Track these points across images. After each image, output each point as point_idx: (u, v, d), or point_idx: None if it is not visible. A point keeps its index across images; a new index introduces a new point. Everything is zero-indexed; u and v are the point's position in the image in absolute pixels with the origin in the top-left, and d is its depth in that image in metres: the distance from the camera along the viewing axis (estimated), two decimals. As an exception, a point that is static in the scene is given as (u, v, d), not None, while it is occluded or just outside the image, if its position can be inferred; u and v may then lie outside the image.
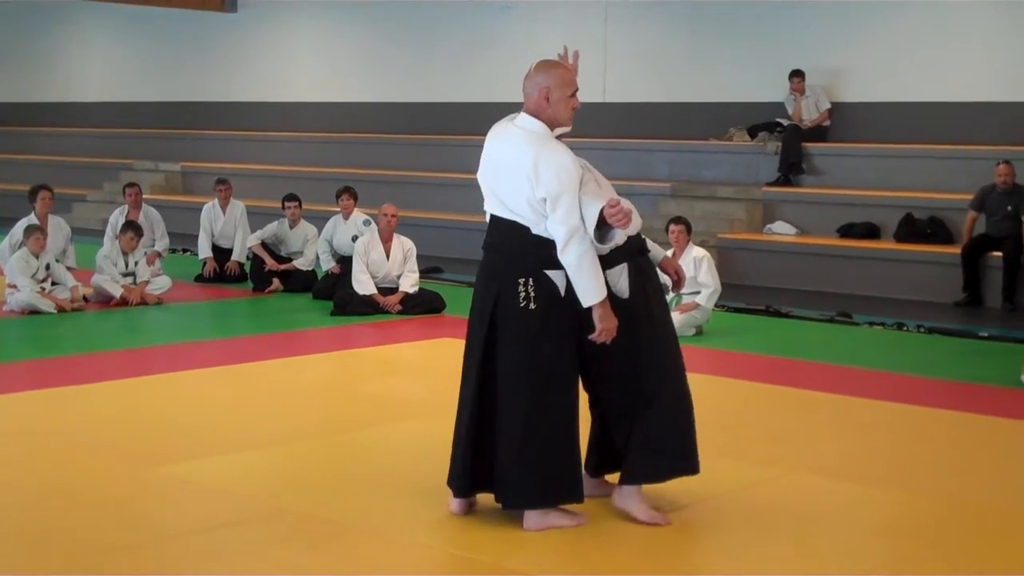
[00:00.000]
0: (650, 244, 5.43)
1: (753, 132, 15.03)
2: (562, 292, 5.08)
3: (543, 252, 5.05)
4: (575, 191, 5.00)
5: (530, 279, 5.07)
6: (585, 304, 5.02)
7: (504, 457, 5.09)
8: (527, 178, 4.99)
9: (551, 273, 5.07)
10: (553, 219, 4.98)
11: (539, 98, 5.12)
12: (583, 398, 5.30)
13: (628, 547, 5.03)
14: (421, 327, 10.51)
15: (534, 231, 5.05)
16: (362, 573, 4.70)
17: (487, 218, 5.26)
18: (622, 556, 4.95)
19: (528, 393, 5.07)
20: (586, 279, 5.00)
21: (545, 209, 4.99)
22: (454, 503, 5.28)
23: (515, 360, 5.08)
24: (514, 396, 5.08)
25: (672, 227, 10.32)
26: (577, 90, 5.22)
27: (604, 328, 5.01)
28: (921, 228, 12.94)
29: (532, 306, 5.06)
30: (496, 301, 5.11)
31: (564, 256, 4.98)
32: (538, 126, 5.12)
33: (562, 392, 5.12)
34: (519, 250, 5.10)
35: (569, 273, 5.02)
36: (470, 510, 5.26)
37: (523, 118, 5.17)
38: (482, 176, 5.24)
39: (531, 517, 5.13)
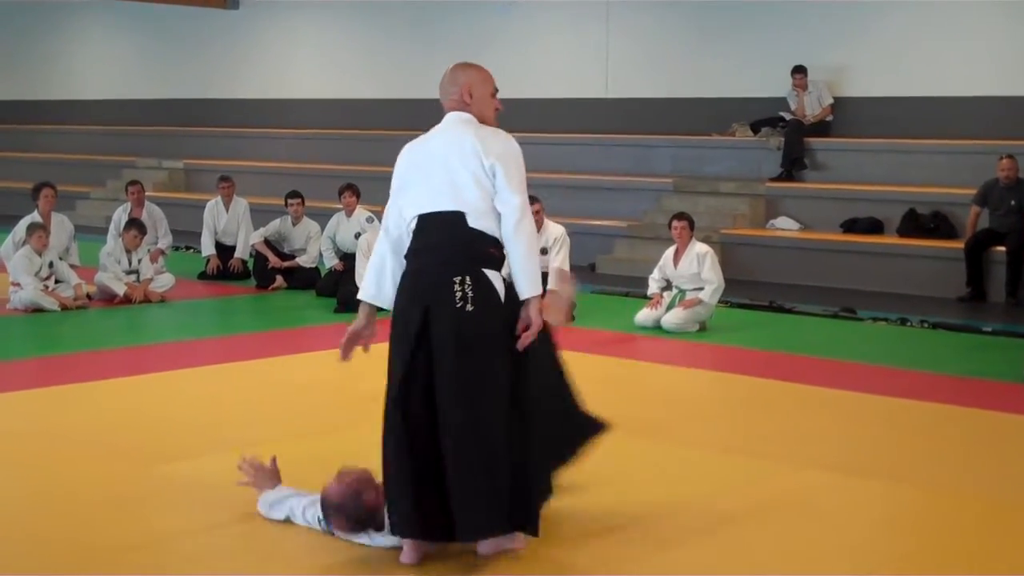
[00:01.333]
0: None
1: (755, 127, 15.01)
2: (501, 296, 4.67)
3: (480, 248, 4.66)
4: (523, 167, 4.77)
5: (467, 277, 4.60)
6: (529, 293, 4.65)
7: (455, 485, 4.54)
8: (472, 151, 4.69)
9: (490, 273, 4.67)
10: (508, 188, 4.66)
11: (461, 95, 4.87)
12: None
13: (634, 541, 5.03)
14: (424, 324, 10.48)
15: (471, 222, 4.65)
16: (365, 571, 4.70)
17: (409, 228, 4.80)
18: (627, 551, 4.94)
19: (472, 407, 4.55)
20: (535, 263, 4.67)
21: (493, 182, 4.67)
22: (405, 549, 4.70)
23: (452, 372, 4.55)
24: (458, 413, 4.54)
25: (675, 223, 10.32)
26: (497, 91, 4.95)
27: (538, 324, 4.64)
28: (924, 223, 12.93)
29: (469, 307, 4.57)
30: (427, 310, 4.60)
31: (519, 230, 4.64)
32: (466, 116, 4.86)
33: (503, 405, 4.61)
34: (453, 247, 4.66)
35: (519, 254, 4.65)
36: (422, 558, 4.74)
37: (448, 115, 4.92)
38: (406, 179, 4.87)
39: (486, 542, 4.73)
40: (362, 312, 4.99)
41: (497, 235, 4.73)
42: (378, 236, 5.01)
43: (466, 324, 4.58)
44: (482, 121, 4.88)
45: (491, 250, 4.70)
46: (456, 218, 4.67)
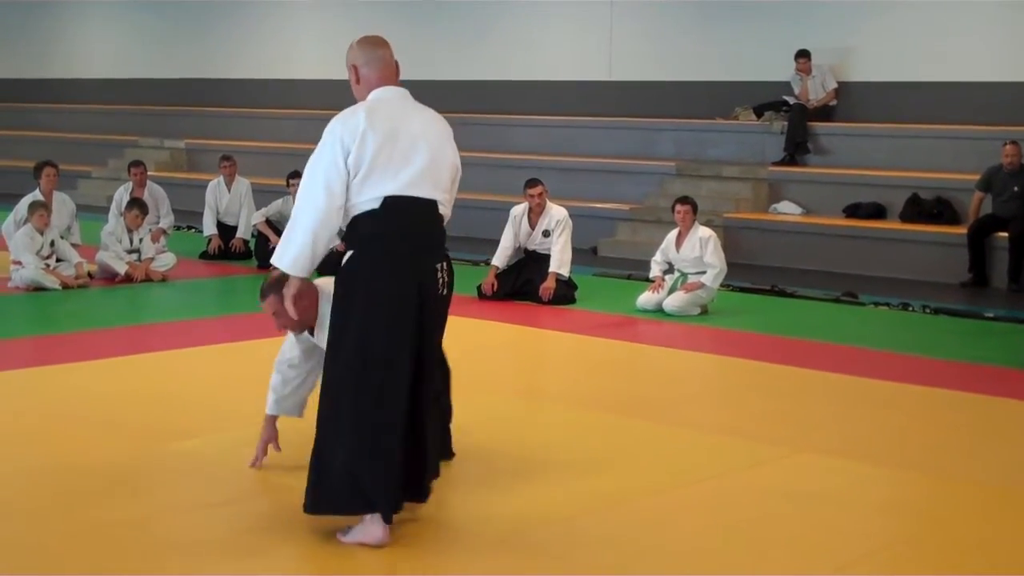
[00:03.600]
0: None
1: (759, 111, 14.98)
2: None
3: (444, 234, 4.85)
4: None
5: (444, 264, 4.80)
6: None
7: (432, 450, 4.87)
8: (451, 143, 4.91)
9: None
10: (453, 194, 4.92)
11: (397, 71, 5.01)
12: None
13: (632, 521, 5.03)
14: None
15: (441, 209, 4.79)
16: (359, 549, 4.70)
17: (360, 205, 4.82)
18: (625, 531, 4.94)
19: (437, 381, 5.02)
20: None
21: (455, 177, 4.92)
22: (383, 531, 4.68)
23: (432, 349, 4.81)
24: (434, 386, 4.89)
25: (678, 207, 10.31)
26: None
27: None
28: (927, 208, 12.92)
29: (445, 292, 4.80)
30: (420, 291, 4.68)
31: None
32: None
33: None
34: (432, 233, 4.78)
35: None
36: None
37: (399, 89, 4.99)
38: (377, 155, 4.69)
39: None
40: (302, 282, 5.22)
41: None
42: (316, 196, 4.95)
43: (444, 308, 4.85)
44: None
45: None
46: (432, 205, 4.76)
